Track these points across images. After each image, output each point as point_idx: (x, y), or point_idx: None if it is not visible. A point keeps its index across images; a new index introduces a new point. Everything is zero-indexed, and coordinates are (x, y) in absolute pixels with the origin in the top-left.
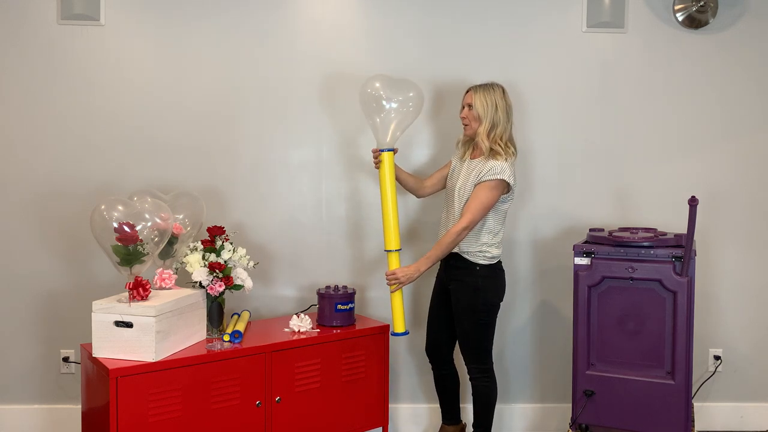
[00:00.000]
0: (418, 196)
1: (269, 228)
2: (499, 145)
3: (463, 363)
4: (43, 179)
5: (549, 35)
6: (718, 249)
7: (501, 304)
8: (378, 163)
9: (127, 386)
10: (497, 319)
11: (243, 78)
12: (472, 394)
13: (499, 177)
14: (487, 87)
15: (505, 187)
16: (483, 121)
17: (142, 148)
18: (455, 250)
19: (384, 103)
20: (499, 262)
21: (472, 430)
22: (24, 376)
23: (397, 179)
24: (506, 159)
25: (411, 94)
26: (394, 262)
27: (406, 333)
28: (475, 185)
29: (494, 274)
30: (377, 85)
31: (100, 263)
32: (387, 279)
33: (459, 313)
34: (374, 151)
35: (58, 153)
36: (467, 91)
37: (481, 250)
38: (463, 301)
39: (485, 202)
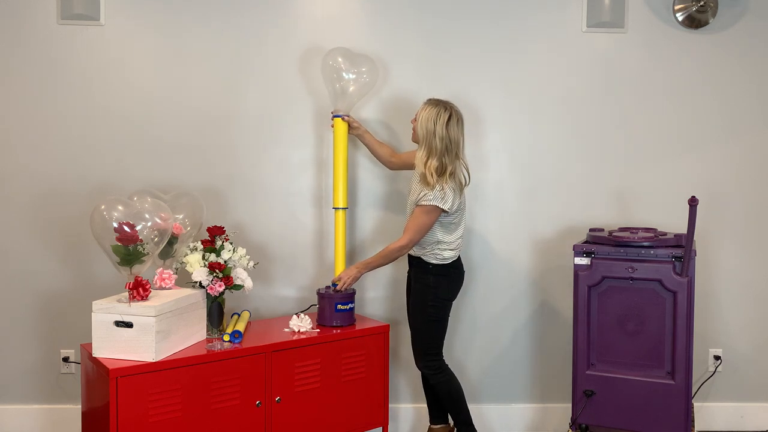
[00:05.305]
0: (388, 168)
1: (269, 228)
2: (431, 174)
3: (455, 364)
4: (43, 179)
5: (549, 35)
6: (718, 249)
7: (455, 302)
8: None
9: (127, 386)
10: (460, 316)
11: (243, 77)
12: (436, 393)
13: (431, 203)
14: (438, 109)
15: (441, 211)
16: (421, 145)
17: (142, 148)
18: (412, 253)
19: (343, 74)
20: (456, 260)
21: (455, 428)
22: (24, 376)
23: (367, 145)
24: (441, 188)
25: (365, 69)
26: (340, 218)
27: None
28: (416, 204)
29: (446, 272)
30: (339, 58)
31: (100, 263)
32: (334, 282)
33: (411, 310)
34: (332, 114)
35: (58, 153)
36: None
37: (432, 252)
38: (416, 297)
39: (420, 225)
